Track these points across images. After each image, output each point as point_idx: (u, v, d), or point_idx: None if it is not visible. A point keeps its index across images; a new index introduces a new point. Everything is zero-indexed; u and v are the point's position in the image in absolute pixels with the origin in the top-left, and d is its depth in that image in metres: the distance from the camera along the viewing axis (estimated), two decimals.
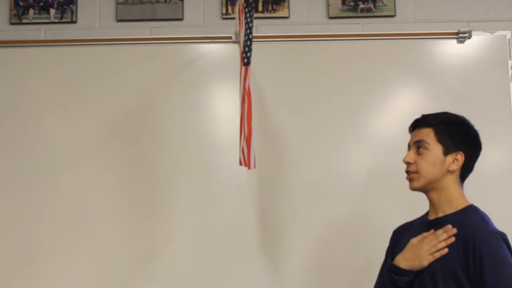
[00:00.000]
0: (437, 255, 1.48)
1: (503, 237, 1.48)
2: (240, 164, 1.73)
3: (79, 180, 2.21)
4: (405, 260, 1.51)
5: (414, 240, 1.54)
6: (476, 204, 2.05)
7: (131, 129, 2.24)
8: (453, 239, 1.48)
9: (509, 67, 2.24)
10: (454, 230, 1.48)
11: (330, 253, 2.15)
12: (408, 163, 1.57)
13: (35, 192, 2.21)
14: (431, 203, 1.59)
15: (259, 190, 2.19)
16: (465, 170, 1.59)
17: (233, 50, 2.21)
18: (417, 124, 1.61)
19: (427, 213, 1.64)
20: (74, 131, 2.24)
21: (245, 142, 1.72)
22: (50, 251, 2.17)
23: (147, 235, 2.17)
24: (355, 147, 2.22)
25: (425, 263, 1.48)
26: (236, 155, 1.78)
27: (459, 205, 1.56)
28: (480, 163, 2.16)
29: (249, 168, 1.71)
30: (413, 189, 1.58)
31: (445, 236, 1.48)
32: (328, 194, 2.18)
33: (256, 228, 2.17)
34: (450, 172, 1.56)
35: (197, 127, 2.24)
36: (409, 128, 1.65)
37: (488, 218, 1.55)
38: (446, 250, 1.47)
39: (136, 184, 2.20)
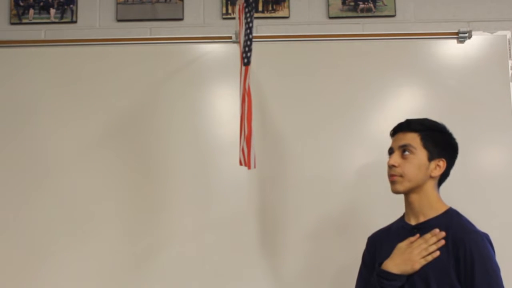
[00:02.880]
0: (429, 258, 1.50)
1: (487, 238, 1.52)
2: (240, 164, 1.73)
3: (79, 179, 2.21)
4: (395, 265, 1.52)
5: (401, 245, 1.55)
6: (476, 203, 2.08)
7: (131, 129, 2.24)
8: (443, 242, 1.50)
9: (509, 67, 2.24)
10: (443, 234, 1.51)
11: (330, 250, 2.15)
12: (393, 166, 1.58)
13: (35, 192, 2.21)
14: (411, 206, 1.60)
15: (259, 189, 2.19)
16: (443, 176, 1.62)
17: (233, 50, 2.21)
18: (402, 128, 1.63)
19: (403, 218, 1.65)
20: (74, 131, 2.24)
21: (245, 142, 1.72)
22: (50, 251, 2.17)
23: (147, 235, 2.17)
24: (355, 146, 2.22)
25: (417, 266, 1.50)
26: (236, 155, 1.78)
27: (440, 209, 1.58)
28: (480, 163, 2.19)
29: (249, 168, 1.71)
30: (395, 191, 1.60)
31: (434, 239, 1.51)
32: (329, 193, 2.18)
33: (256, 227, 2.17)
34: (431, 177, 1.58)
35: (197, 127, 2.24)
36: (391, 132, 1.67)
37: (470, 220, 1.58)
38: (438, 253, 1.49)
39: (137, 183, 2.20)
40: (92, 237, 2.18)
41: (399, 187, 1.58)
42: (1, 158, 2.24)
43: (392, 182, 1.59)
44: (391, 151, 1.63)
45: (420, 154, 1.57)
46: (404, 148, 1.58)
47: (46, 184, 2.21)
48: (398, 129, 1.64)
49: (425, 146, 1.57)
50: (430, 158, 1.57)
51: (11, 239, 2.19)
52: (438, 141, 1.59)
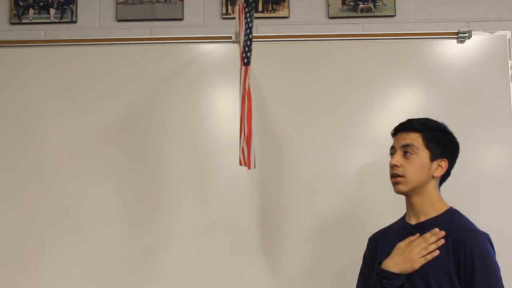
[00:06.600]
0: (429, 257, 1.50)
1: (487, 237, 1.52)
2: (240, 164, 1.73)
3: (78, 179, 2.21)
4: (395, 264, 1.53)
5: (401, 244, 1.55)
6: (476, 203, 2.07)
7: (131, 129, 2.24)
8: (442, 241, 1.50)
9: (509, 67, 2.24)
10: (443, 233, 1.51)
11: (330, 250, 2.15)
12: (395, 166, 1.58)
13: (33, 192, 2.21)
14: (412, 206, 1.60)
15: (259, 189, 2.19)
16: (445, 176, 1.63)
17: (233, 50, 2.21)
18: (403, 128, 1.63)
19: (404, 217, 1.66)
20: (74, 131, 2.24)
21: (245, 142, 1.72)
22: (50, 251, 2.17)
23: (147, 235, 2.17)
24: (355, 146, 2.22)
25: (417, 265, 1.50)
26: (236, 155, 1.78)
27: (441, 208, 1.58)
28: (481, 163, 2.19)
29: (249, 168, 1.71)
30: (398, 192, 1.60)
31: (434, 239, 1.51)
32: (328, 192, 2.18)
33: (256, 227, 2.17)
34: (433, 177, 1.59)
35: (197, 127, 2.24)
36: (392, 131, 1.67)
37: (470, 220, 1.59)
38: (438, 252, 1.50)
39: (137, 183, 2.20)
40: (91, 237, 2.17)
41: (402, 188, 1.58)
42: (1, 158, 2.24)
43: (395, 183, 1.59)
44: (393, 151, 1.63)
45: (422, 154, 1.57)
46: (406, 148, 1.58)
47: (45, 184, 2.21)
48: (400, 129, 1.64)
49: (427, 146, 1.57)
50: (432, 158, 1.58)
51: (11, 239, 2.19)
52: (440, 141, 1.59)
